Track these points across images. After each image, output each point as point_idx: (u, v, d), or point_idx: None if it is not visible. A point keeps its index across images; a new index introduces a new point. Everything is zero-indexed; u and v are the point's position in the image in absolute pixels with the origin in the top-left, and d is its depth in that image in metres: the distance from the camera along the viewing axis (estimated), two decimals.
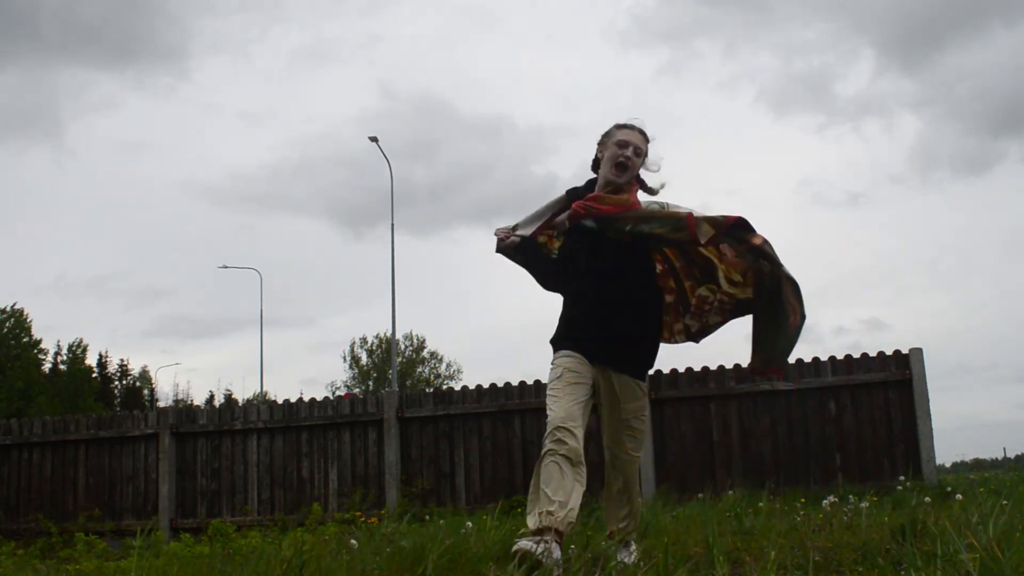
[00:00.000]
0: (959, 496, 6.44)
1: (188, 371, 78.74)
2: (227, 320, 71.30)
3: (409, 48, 65.54)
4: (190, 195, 63.35)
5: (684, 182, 64.64)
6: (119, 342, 63.45)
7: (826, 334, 61.96)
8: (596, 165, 3.61)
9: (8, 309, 36.98)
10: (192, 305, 66.95)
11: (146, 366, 51.47)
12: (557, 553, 2.96)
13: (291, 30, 64.89)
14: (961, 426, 69.08)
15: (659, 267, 3.62)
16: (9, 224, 62.39)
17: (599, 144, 3.59)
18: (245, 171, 64.22)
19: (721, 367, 9.33)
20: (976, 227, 69.14)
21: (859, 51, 67.58)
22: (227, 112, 66.67)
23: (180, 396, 45.42)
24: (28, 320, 37.68)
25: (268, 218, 63.25)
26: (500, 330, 59.33)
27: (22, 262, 63.17)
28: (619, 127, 3.55)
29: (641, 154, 3.51)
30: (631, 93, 63.73)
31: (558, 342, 3.52)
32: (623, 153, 3.47)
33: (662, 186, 3.60)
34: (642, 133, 3.54)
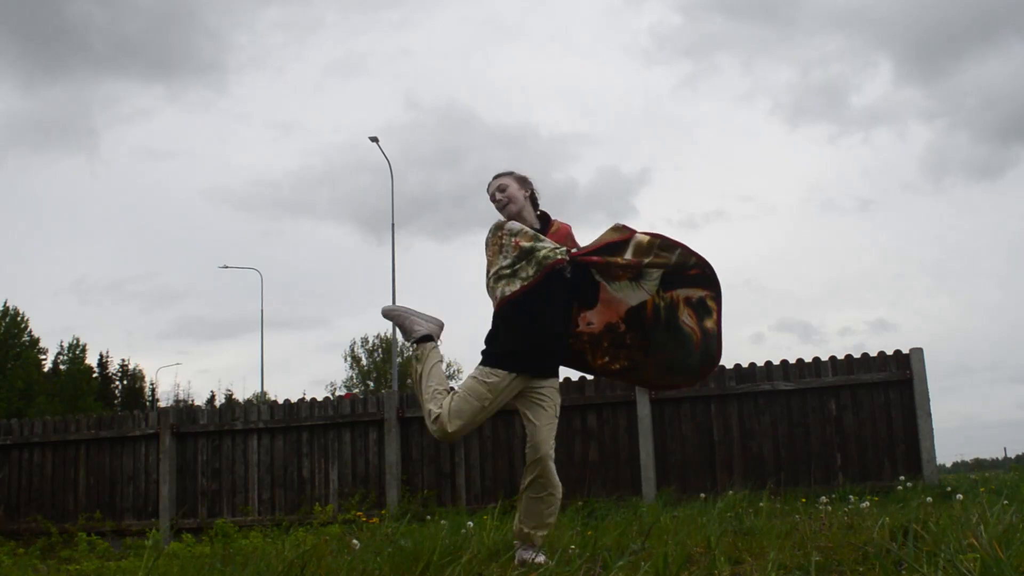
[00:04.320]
0: (959, 496, 6.44)
1: (200, 372, 79.28)
2: (240, 321, 72.17)
3: (436, 61, 67.29)
4: (213, 201, 64.74)
5: (699, 187, 65.87)
6: (135, 344, 64.81)
7: (832, 335, 62.33)
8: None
9: (2, 308, 36.94)
10: (209, 307, 67.81)
11: (139, 365, 51.50)
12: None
13: (325, 45, 66.25)
14: (962, 426, 69.32)
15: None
16: (37, 228, 64.04)
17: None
18: (270, 178, 65.52)
19: (721, 367, 9.33)
20: (984, 231, 69.64)
21: (876, 63, 68.50)
22: (257, 123, 68.32)
23: (181, 396, 45.42)
24: (24, 320, 37.67)
25: (292, 223, 64.37)
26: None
27: (45, 265, 64.46)
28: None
29: (504, 188, 3.95)
30: (649, 103, 64.66)
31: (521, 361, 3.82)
32: (494, 197, 3.99)
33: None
34: (496, 177, 4.01)
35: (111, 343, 73.36)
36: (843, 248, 67.67)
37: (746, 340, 60.44)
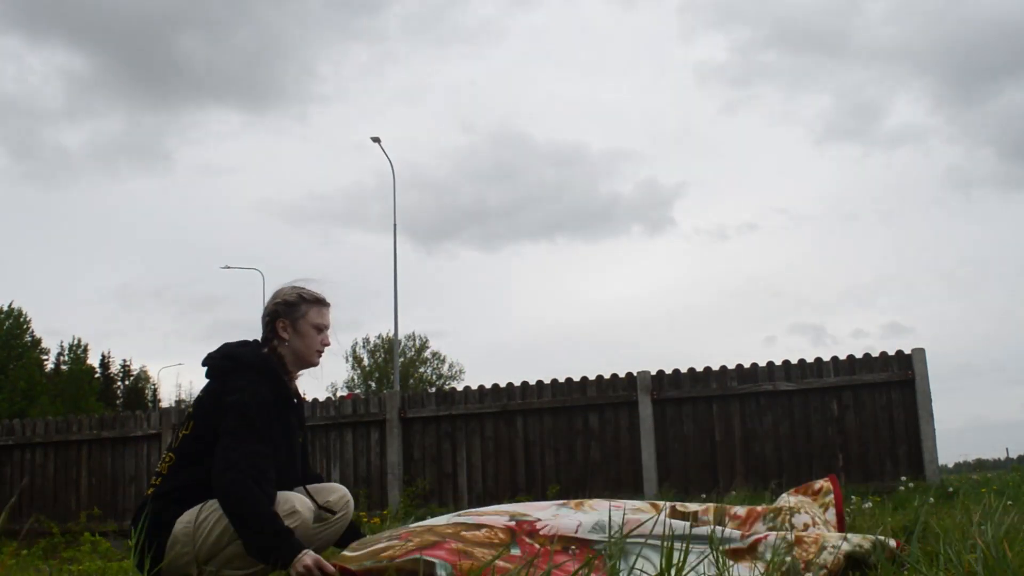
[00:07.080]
0: (961, 496, 6.42)
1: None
2: (244, 322, 73.91)
3: (493, 88, 69.75)
4: (267, 213, 66.95)
5: (733, 201, 68.15)
6: (171, 347, 68.70)
7: (844, 337, 62.82)
8: (272, 335, 3.05)
9: (6, 309, 37.02)
10: (243, 312, 69.61)
11: (144, 365, 51.69)
12: None
13: (397, 77, 68.44)
14: (964, 427, 69.48)
15: None
16: (100, 241, 68.36)
17: (279, 316, 3.04)
18: (323, 192, 68.61)
19: (723, 367, 9.33)
20: (997, 238, 70.45)
21: (909, 88, 69.85)
22: (320, 145, 70.62)
23: (183, 397, 45.46)
24: (28, 320, 37.74)
25: (341, 235, 66.64)
26: (507, 332, 60.88)
27: (90, 274, 68.35)
28: (315, 302, 3.09)
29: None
30: (691, 125, 67.60)
31: None
32: (326, 340, 3.13)
33: None
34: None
35: (147, 346, 75.99)
36: (861, 255, 68.78)
37: (757, 343, 60.92)
